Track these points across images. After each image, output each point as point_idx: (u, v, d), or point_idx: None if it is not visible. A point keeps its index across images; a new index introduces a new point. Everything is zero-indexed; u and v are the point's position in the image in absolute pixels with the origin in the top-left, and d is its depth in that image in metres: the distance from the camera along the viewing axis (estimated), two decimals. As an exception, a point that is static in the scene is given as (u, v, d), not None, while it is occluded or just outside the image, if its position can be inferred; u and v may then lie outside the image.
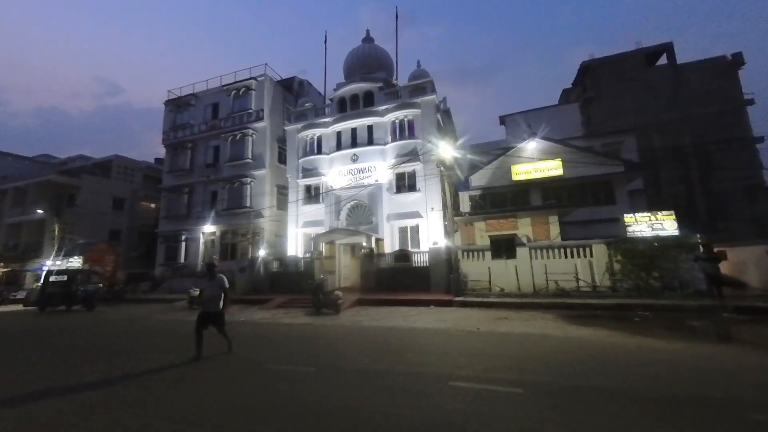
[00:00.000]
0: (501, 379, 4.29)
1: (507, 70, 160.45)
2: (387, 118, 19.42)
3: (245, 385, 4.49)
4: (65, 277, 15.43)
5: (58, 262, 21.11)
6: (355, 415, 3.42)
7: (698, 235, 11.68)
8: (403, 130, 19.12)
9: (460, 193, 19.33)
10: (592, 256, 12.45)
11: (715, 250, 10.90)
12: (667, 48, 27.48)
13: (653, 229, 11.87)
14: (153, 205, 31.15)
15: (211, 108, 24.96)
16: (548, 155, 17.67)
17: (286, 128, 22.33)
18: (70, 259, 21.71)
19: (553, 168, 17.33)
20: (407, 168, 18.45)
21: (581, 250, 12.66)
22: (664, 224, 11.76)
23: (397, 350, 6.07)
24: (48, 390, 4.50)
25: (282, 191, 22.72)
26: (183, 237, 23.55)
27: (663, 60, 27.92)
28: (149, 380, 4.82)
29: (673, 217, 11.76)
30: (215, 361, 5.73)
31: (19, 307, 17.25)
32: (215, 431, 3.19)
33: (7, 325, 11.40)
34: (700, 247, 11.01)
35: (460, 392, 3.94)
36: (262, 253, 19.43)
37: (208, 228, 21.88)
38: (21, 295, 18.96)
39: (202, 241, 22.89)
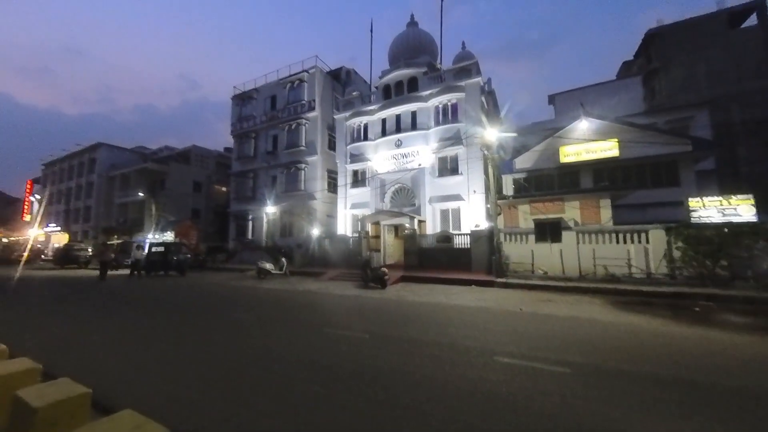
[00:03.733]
0: (545, 358, 4.21)
1: (566, 42, 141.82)
2: (430, 102, 18.82)
3: (310, 344, 4.96)
4: (162, 248, 17.86)
5: (156, 236, 24.40)
6: (408, 379, 3.63)
7: (782, 222, 9.90)
8: (447, 114, 18.43)
9: (504, 176, 18.36)
10: (648, 242, 11.23)
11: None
12: (758, 5, 22.51)
13: (724, 215, 10.30)
14: (224, 189, 34.18)
15: (269, 100, 26.21)
16: (602, 135, 15.90)
17: (335, 117, 22.76)
18: (165, 234, 24.97)
19: (608, 149, 15.61)
20: (450, 152, 17.91)
21: (636, 235, 11.47)
22: (739, 209, 10.14)
23: (441, 324, 6.19)
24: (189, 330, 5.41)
25: (332, 175, 23.48)
26: (250, 216, 25.68)
27: (751, 21, 23.01)
28: (235, 333, 5.55)
29: (751, 201, 10.07)
30: (280, 322, 6.36)
31: (128, 271, 20.36)
32: (292, 381, 3.62)
33: (132, 285, 13.61)
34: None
35: (505, 367, 3.96)
36: (315, 231, 20.55)
37: (270, 208, 23.54)
38: (130, 261, 22.34)
39: (265, 220, 24.76)
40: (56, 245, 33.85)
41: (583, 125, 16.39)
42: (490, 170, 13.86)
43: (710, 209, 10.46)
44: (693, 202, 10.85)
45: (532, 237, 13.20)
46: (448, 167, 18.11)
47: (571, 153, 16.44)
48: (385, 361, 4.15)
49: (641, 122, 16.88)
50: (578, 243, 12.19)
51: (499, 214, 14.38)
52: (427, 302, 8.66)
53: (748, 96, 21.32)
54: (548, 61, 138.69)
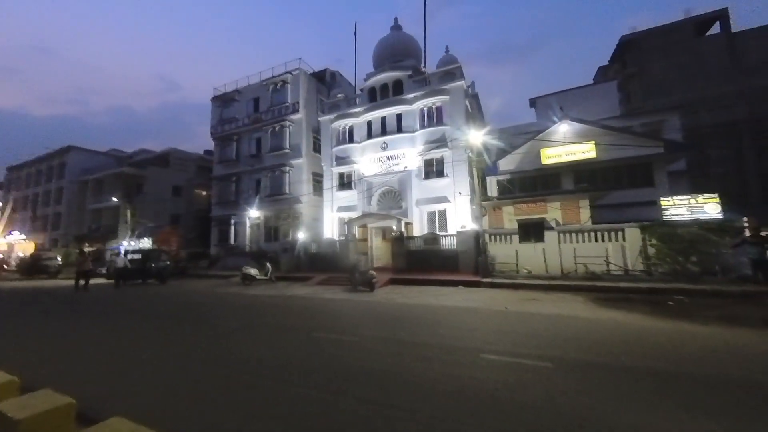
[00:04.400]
0: (530, 354, 4.41)
1: (551, 45, 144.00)
2: (416, 105, 19.12)
3: (299, 349, 4.99)
4: (140, 256, 17.28)
5: (133, 243, 23.55)
6: (398, 379, 3.74)
7: (745, 219, 10.66)
8: (432, 117, 18.77)
9: (488, 178, 18.84)
10: (624, 240, 11.82)
11: (763, 233, 9.91)
12: (721, 15, 24.14)
13: (693, 213, 11.00)
14: (205, 193, 33.36)
15: (252, 102, 25.88)
16: (581, 138, 16.60)
17: (320, 119, 22.72)
18: (141, 241, 24.12)
19: (586, 151, 16.31)
20: (435, 154, 18.22)
21: (613, 233, 12.04)
22: (706, 208, 10.85)
23: (430, 325, 6.33)
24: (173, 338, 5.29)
25: (317, 178, 23.39)
26: (232, 221, 25.20)
27: (715, 29, 24.63)
28: (223, 340, 5.49)
29: (716, 200, 10.80)
30: (268, 328, 6.33)
31: (104, 280, 19.59)
32: (282, 385, 3.65)
33: (108, 294, 13.09)
34: (747, 231, 10.07)
35: (490, 364, 4.13)
36: (301, 235, 20.38)
37: (254, 213, 23.18)
38: (104, 270, 21.45)
39: (248, 224, 24.36)
40: (21, 254, 32.01)
41: (563, 128, 17.07)
42: (475, 172, 14.22)
43: (680, 208, 11.16)
44: (665, 202, 11.53)
45: (516, 237, 13.62)
46: (434, 169, 18.41)
47: (552, 155, 17.08)
48: (375, 363, 4.24)
49: (618, 125, 17.72)
50: (560, 242, 12.67)
51: (485, 215, 14.76)
52: (415, 304, 8.79)
53: (716, 100, 22.76)
54: (534, 64, 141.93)
